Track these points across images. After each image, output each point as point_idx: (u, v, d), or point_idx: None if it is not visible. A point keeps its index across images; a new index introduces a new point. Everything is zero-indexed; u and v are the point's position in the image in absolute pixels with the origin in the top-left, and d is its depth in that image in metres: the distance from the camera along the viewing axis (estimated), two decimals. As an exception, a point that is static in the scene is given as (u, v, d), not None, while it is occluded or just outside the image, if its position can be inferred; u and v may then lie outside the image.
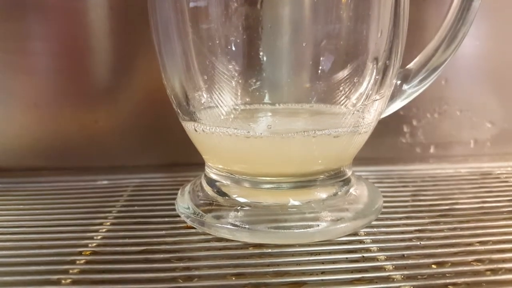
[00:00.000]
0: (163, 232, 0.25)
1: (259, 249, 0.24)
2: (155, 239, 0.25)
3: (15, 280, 0.21)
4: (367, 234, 0.25)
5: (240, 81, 0.25)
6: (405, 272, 0.21)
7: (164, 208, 0.29)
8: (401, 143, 0.37)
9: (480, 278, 0.21)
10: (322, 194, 0.26)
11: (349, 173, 0.28)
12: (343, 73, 0.24)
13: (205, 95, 0.26)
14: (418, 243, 0.24)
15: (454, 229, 0.26)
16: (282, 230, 0.24)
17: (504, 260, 0.22)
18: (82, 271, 0.22)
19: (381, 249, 0.23)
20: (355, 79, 0.25)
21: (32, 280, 0.21)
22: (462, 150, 0.38)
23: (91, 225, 0.26)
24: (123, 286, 0.21)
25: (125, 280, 0.21)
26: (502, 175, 0.34)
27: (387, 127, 0.36)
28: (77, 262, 0.23)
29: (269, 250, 0.23)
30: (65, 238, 0.25)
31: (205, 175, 0.28)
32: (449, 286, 0.20)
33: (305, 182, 0.26)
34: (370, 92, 0.25)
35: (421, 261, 0.22)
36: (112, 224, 0.27)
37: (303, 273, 0.21)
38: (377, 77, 0.25)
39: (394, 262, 0.22)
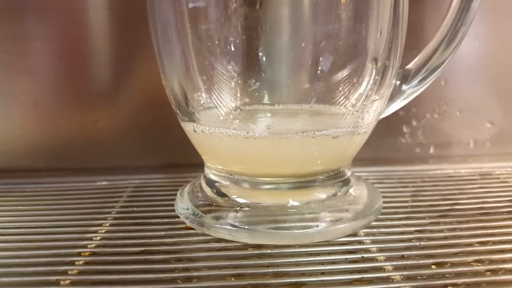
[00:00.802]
0: (163, 233, 0.25)
1: (258, 249, 0.24)
2: (154, 240, 0.25)
3: (14, 281, 0.21)
4: (367, 234, 0.25)
5: (239, 82, 0.25)
6: (405, 273, 0.21)
7: (164, 209, 0.29)
8: (401, 144, 0.37)
9: (480, 279, 0.21)
10: (321, 194, 0.26)
11: (348, 173, 0.28)
12: (342, 74, 0.24)
13: (204, 96, 0.26)
14: (418, 243, 0.24)
15: (454, 229, 0.26)
16: (282, 231, 0.24)
17: (504, 261, 0.22)
18: (81, 272, 0.22)
19: (380, 250, 0.23)
20: (354, 79, 0.25)
21: (31, 281, 0.21)
22: (461, 151, 0.38)
23: (90, 226, 0.26)
24: (123, 287, 0.21)
25: (124, 281, 0.21)
26: (502, 176, 0.34)
27: (387, 128, 0.36)
28: (76, 263, 0.22)
29: (269, 251, 0.23)
30: (64, 239, 0.25)
31: (205, 176, 0.28)
32: (449, 287, 0.20)
33: (304, 182, 0.26)
34: (370, 93, 0.25)
35: (421, 261, 0.22)
36: (112, 225, 0.27)
37: (303, 274, 0.21)
38: (376, 77, 0.25)
39: (394, 263, 0.22)
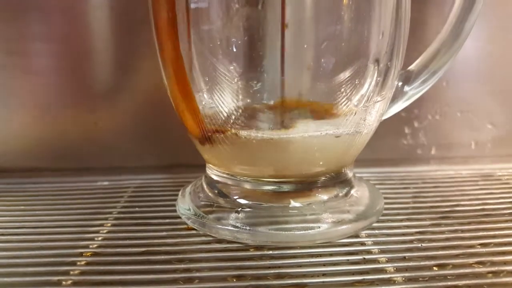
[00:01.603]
0: (164, 233, 0.25)
1: (260, 250, 0.24)
2: (155, 241, 0.25)
3: (15, 281, 0.21)
4: (368, 236, 0.25)
5: (241, 82, 0.25)
6: (406, 274, 0.21)
7: (165, 210, 0.29)
8: (402, 145, 0.37)
9: (482, 281, 0.21)
10: (323, 195, 0.26)
11: (350, 174, 0.28)
12: (344, 75, 0.24)
13: (206, 96, 0.25)
14: (419, 245, 0.24)
15: (455, 231, 0.26)
16: (283, 232, 0.24)
17: (505, 262, 0.22)
18: (83, 272, 0.22)
19: (382, 251, 0.23)
20: (357, 80, 0.24)
21: (33, 281, 0.21)
22: (463, 152, 0.38)
23: (92, 226, 0.26)
24: (124, 287, 0.21)
25: (126, 281, 0.21)
26: (504, 177, 0.34)
27: (388, 129, 0.36)
28: (78, 263, 0.23)
29: (270, 252, 0.23)
30: (65, 239, 0.25)
31: (206, 176, 0.28)
32: (450, 289, 0.20)
33: (306, 183, 0.26)
34: (372, 94, 0.25)
35: (422, 263, 0.22)
36: (113, 225, 0.27)
37: (304, 275, 0.21)
38: (378, 78, 0.25)
39: (395, 264, 0.22)
